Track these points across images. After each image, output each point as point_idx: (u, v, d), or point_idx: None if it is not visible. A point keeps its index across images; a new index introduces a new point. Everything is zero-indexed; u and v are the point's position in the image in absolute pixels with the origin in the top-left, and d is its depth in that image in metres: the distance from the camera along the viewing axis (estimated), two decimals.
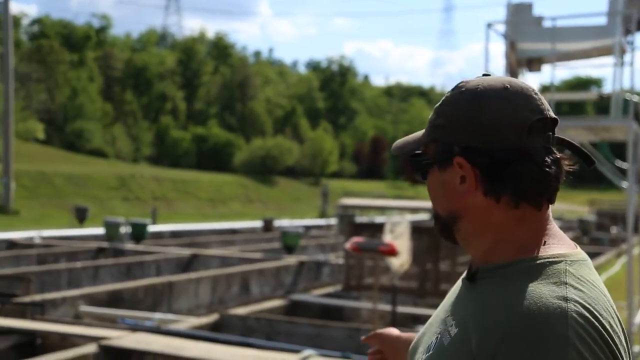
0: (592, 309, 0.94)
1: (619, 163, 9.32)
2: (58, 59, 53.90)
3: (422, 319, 9.72)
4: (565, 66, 9.18)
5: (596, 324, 0.93)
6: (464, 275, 1.14)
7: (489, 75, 1.09)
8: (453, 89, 1.09)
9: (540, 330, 0.91)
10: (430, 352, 1.03)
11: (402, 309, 8.73)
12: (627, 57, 8.16)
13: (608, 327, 0.94)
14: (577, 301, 0.94)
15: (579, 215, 31.84)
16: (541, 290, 0.95)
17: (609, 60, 8.23)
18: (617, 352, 0.94)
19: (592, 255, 18.22)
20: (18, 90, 42.87)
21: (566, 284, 0.96)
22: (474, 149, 1.02)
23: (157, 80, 63.92)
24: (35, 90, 50.43)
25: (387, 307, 8.13)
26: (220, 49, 74.15)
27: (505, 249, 1.03)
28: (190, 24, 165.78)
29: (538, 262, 1.00)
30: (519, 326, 0.92)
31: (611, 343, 0.93)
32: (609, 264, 17.50)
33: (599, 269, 16.14)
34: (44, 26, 64.01)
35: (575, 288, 0.96)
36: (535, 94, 1.05)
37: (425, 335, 1.11)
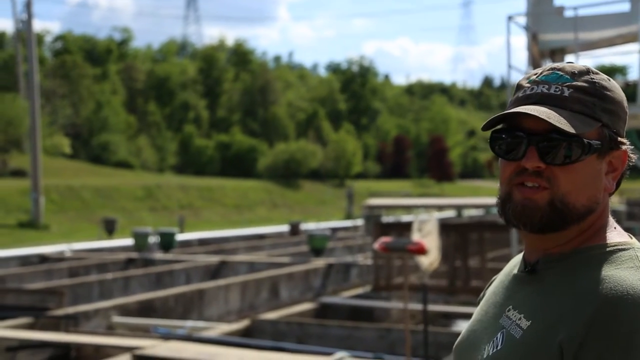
0: None
1: None
2: (81, 73, 54.67)
3: (453, 317, 9.65)
4: (589, 55, 9.05)
5: None
6: (510, 270, 1.14)
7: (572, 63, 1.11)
8: (593, 73, 1.06)
9: (630, 310, 0.92)
10: (499, 348, 1.02)
11: (433, 307, 8.66)
12: None
13: None
14: None
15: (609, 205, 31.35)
16: (621, 274, 0.96)
17: (634, 47, 8.09)
18: None
19: None
20: (44, 107, 43.57)
21: None
22: (624, 140, 1.06)
23: (179, 90, 64.48)
24: (60, 105, 51.20)
25: (418, 306, 8.07)
26: (240, 55, 74.55)
27: (592, 239, 1.05)
28: (210, 32, 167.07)
29: (608, 249, 1.02)
30: (607, 308, 0.93)
31: None
32: None
33: None
34: (66, 42, 64.98)
35: None
36: None
37: (480, 332, 1.09)
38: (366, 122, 77.82)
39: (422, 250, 5.53)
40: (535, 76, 1.08)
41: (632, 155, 1.08)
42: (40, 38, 58.86)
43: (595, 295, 0.95)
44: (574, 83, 1.04)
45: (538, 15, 8.02)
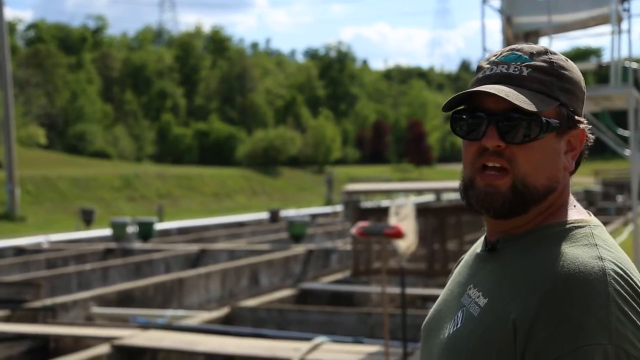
0: (624, 267, 0.97)
1: (621, 131, 9.27)
2: (56, 62, 53.85)
3: (432, 299, 9.72)
4: (564, 37, 9.12)
5: (629, 280, 0.96)
6: (475, 249, 1.15)
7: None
8: (550, 53, 1.06)
9: (581, 288, 0.93)
10: (459, 326, 1.03)
11: (412, 291, 8.73)
12: (624, 25, 8.09)
13: (638, 283, 0.98)
14: (611, 260, 0.97)
15: (585, 186, 31.74)
16: (575, 252, 0.97)
17: (607, 29, 8.16)
18: None
19: None
20: (17, 96, 42.88)
21: (596, 245, 0.99)
22: (582, 119, 1.07)
23: (155, 78, 63.85)
24: (35, 95, 50.44)
25: (396, 290, 8.13)
26: (217, 42, 73.94)
27: (550, 217, 1.05)
28: (186, 19, 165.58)
29: (565, 227, 1.03)
30: (560, 287, 0.94)
31: None
32: (616, 232, 17.46)
33: None
34: (39, 30, 63.92)
35: (605, 249, 0.99)
36: None
37: (444, 312, 1.10)
38: (345, 107, 77.79)
39: (398, 234, 5.56)
40: (494, 57, 1.08)
41: (590, 135, 1.09)
42: (12, 27, 57.80)
43: (548, 274, 0.96)
44: (532, 63, 1.04)
45: None
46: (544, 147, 1.02)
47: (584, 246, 0.99)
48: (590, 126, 1.09)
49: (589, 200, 25.06)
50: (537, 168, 1.02)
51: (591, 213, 1.10)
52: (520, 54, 1.06)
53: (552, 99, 1.03)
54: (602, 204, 25.76)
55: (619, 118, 9.66)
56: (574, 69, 1.07)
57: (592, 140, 1.09)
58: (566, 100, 1.04)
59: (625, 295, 0.94)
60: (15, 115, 32.84)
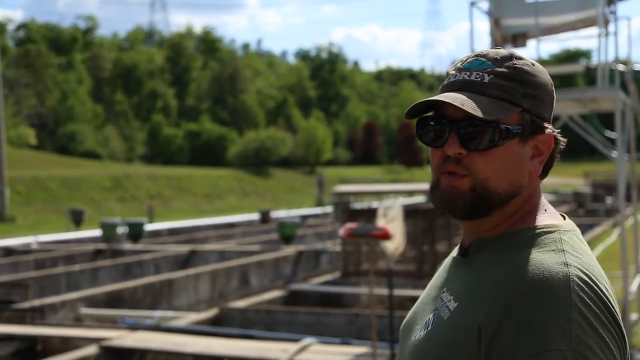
0: (589, 274, 0.97)
1: (609, 133, 9.33)
2: (46, 62, 53.60)
3: None
4: (553, 39, 9.16)
5: (595, 287, 0.96)
6: (453, 253, 1.16)
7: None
8: (516, 59, 1.06)
9: (545, 294, 0.93)
10: (429, 328, 1.04)
11: (401, 292, 8.75)
12: (611, 28, 8.14)
13: (605, 291, 0.97)
14: (576, 266, 0.97)
15: (574, 187, 31.91)
16: (541, 257, 0.98)
17: (595, 31, 8.20)
18: (615, 314, 0.97)
19: (588, 227, 18.29)
20: (7, 97, 42.67)
21: (564, 251, 0.99)
22: (550, 124, 1.07)
23: (146, 79, 63.67)
24: (25, 95, 50.20)
25: (385, 291, 8.15)
26: (208, 43, 73.82)
27: (520, 222, 1.06)
28: (177, 20, 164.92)
29: (534, 232, 1.03)
30: (523, 293, 0.95)
31: (610, 306, 0.96)
32: (605, 234, 17.56)
33: (596, 239, 16.19)
34: (29, 31, 63.59)
35: (572, 255, 0.99)
36: None
37: (419, 314, 1.12)
38: (336, 109, 77.85)
39: (386, 236, 5.58)
40: (460, 63, 1.09)
41: (561, 139, 1.09)
42: (2, 26, 57.53)
43: (513, 280, 0.96)
44: (495, 69, 1.05)
45: (500, 1, 8.08)
46: (506, 153, 1.02)
47: (551, 252, 0.99)
48: (558, 130, 1.09)
49: (578, 202, 25.19)
50: (498, 173, 1.02)
51: (566, 216, 1.10)
52: (484, 60, 1.06)
53: (514, 105, 1.03)
54: (591, 206, 25.89)
55: (607, 120, 9.72)
56: (540, 73, 1.07)
57: (563, 144, 1.09)
58: (529, 105, 1.04)
59: (589, 301, 0.94)
60: (5, 116, 32.67)
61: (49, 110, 52.18)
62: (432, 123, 1.07)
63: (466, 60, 1.08)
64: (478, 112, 1.00)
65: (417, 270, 10.45)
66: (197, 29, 78.75)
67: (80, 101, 55.23)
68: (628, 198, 11.28)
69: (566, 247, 1.00)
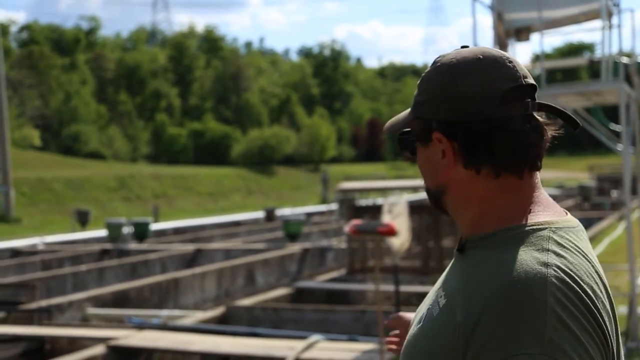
0: (572, 274, 0.94)
1: (614, 126, 9.30)
2: (49, 63, 53.72)
3: None
4: (557, 33, 9.11)
5: (576, 288, 0.93)
6: (456, 247, 1.16)
7: (467, 47, 1.09)
8: (431, 65, 1.10)
9: (520, 297, 0.92)
10: (422, 324, 1.04)
11: (407, 288, 8.75)
12: (614, 20, 8.10)
13: (590, 291, 0.94)
14: (558, 266, 0.94)
15: (579, 181, 31.81)
16: (522, 257, 0.96)
17: (598, 24, 8.17)
18: (598, 316, 0.94)
19: (594, 221, 18.24)
20: (11, 98, 42.77)
21: (548, 250, 0.97)
22: (450, 123, 1.03)
23: (150, 79, 63.73)
24: (28, 96, 50.31)
25: (391, 288, 8.15)
26: (211, 42, 73.83)
27: (489, 220, 1.04)
28: (179, 19, 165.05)
29: (521, 230, 1.00)
30: (500, 294, 0.93)
31: (592, 307, 0.94)
32: (611, 228, 17.51)
33: (602, 233, 16.14)
34: (33, 32, 63.72)
35: (557, 254, 0.96)
36: (510, 62, 1.04)
37: (420, 309, 1.12)
38: (339, 106, 77.79)
39: (392, 232, 5.57)
40: None
41: (441, 138, 1.05)
42: (5, 28, 57.61)
43: (492, 280, 0.95)
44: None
45: None
46: (420, 157, 1.12)
47: (535, 251, 0.97)
48: (543, 121, 1.05)
49: (583, 195, 25.11)
50: (423, 175, 1.13)
51: (567, 212, 1.07)
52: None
53: (412, 113, 1.10)
54: (596, 199, 25.81)
55: (612, 113, 9.68)
56: (434, 74, 1.07)
57: (557, 132, 1.06)
58: (419, 112, 1.09)
59: (568, 304, 0.92)
60: (10, 117, 32.77)
61: (53, 111, 52.30)
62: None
63: None
64: (386, 127, 1.15)
65: (422, 266, 10.44)
66: (200, 28, 78.91)
67: (84, 102, 55.34)
68: (634, 191, 11.24)
69: (552, 246, 0.97)
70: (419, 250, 10.43)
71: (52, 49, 58.53)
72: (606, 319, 0.95)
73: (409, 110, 1.12)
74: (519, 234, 1.00)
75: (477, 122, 1.01)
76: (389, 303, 8.78)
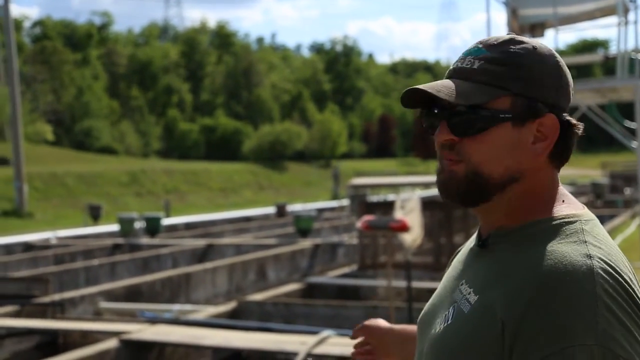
0: (613, 264, 0.95)
1: (628, 124, 9.22)
2: (62, 59, 54.00)
3: None
4: (571, 29, 9.07)
5: (619, 278, 0.94)
6: (470, 243, 1.14)
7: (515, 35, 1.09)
8: (514, 43, 1.03)
9: (568, 288, 0.92)
10: (449, 322, 1.02)
11: (418, 284, 8.72)
12: (630, 16, 8.03)
13: (629, 280, 0.95)
14: (600, 258, 0.95)
15: (592, 179, 31.61)
16: (564, 249, 0.96)
17: (614, 20, 8.10)
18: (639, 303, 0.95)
19: (607, 218, 18.11)
20: (24, 93, 43.04)
21: (586, 242, 0.97)
22: (559, 109, 1.03)
23: (161, 74, 63.93)
24: (41, 92, 50.61)
25: (402, 284, 8.14)
26: (223, 37, 73.95)
27: (535, 212, 1.03)
28: (191, 15, 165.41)
29: (554, 222, 1.01)
30: (547, 286, 0.92)
31: (634, 295, 0.94)
32: (624, 225, 17.38)
33: (615, 231, 16.03)
34: (45, 27, 64.07)
35: (595, 245, 0.97)
36: None
37: (438, 307, 1.10)
38: (351, 102, 77.70)
39: (404, 228, 5.56)
40: (464, 53, 1.09)
41: (576, 123, 1.05)
42: (18, 24, 57.95)
43: (535, 273, 0.94)
44: (487, 55, 1.03)
45: None
46: (498, 138, 1.01)
47: (573, 243, 0.97)
48: (566, 114, 1.05)
49: (596, 193, 24.93)
50: (491, 158, 1.01)
51: (585, 206, 1.07)
52: (481, 46, 1.05)
53: (502, 89, 1.01)
54: (609, 197, 25.63)
55: (626, 110, 9.60)
56: (540, 56, 1.03)
57: (579, 129, 1.05)
58: (521, 89, 1.01)
59: (614, 294, 0.92)
60: (23, 112, 32.98)
61: (66, 106, 52.59)
62: (426, 112, 1.08)
63: (469, 48, 1.08)
64: (452, 97, 1.00)
65: (434, 262, 10.42)
66: (212, 23, 79.22)
67: (96, 97, 55.62)
68: None
69: (588, 237, 0.98)
70: (431, 246, 10.41)
71: (65, 44, 58.83)
72: None
73: (472, 84, 1.01)
74: (552, 227, 1.00)
75: (568, 113, 1.05)
76: (400, 299, 8.77)
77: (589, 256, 0.95)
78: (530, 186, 1.04)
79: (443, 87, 1.02)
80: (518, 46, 1.03)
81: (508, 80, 1.01)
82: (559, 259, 0.95)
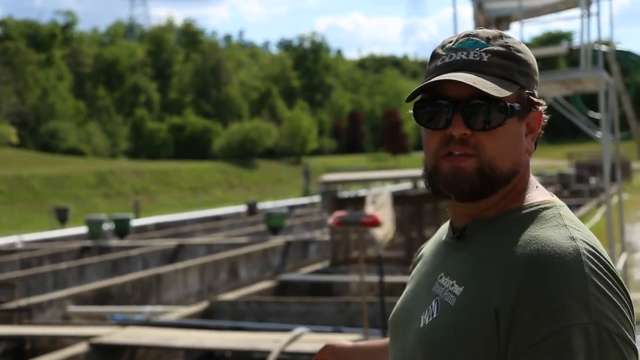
0: (594, 245, 0.98)
1: (593, 114, 9.36)
2: (25, 59, 52.95)
3: None
4: (535, 21, 9.16)
5: (602, 258, 0.97)
6: (439, 237, 1.14)
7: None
8: (505, 37, 1.06)
9: (559, 270, 0.93)
10: (435, 316, 1.02)
11: (391, 279, 8.75)
12: (593, 8, 8.13)
13: (608, 260, 0.98)
14: (582, 239, 0.98)
15: (558, 169, 32.12)
16: (548, 234, 0.97)
17: (577, 12, 8.20)
18: (621, 281, 0.98)
19: (574, 207, 18.43)
20: None
21: (566, 225, 0.99)
22: (539, 101, 1.07)
23: (128, 73, 63.13)
24: (4, 93, 49.59)
25: (375, 279, 8.16)
26: (190, 35, 73.28)
27: (514, 200, 1.05)
28: (157, 13, 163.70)
29: (532, 209, 1.03)
30: (537, 269, 0.94)
31: (616, 274, 0.98)
32: (590, 214, 17.71)
33: (582, 220, 16.27)
34: (7, 28, 62.72)
35: (575, 229, 0.99)
36: None
37: (414, 303, 1.09)
38: (320, 98, 77.71)
39: (376, 223, 5.56)
40: (450, 44, 1.06)
41: (545, 116, 1.08)
42: None
43: (524, 258, 0.95)
44: (490, 48, 1.04)
45: None
46: (508, 132, 1.02)
47: (555, 227, 0.99)
48: (546, 107, 1.09)
49: (563, 183, 25.35)
50: (503, 152, 1.02)
51: (553, 194, 1.09)
52: (477, 39, 1.05)
53: (513, 83, 1.03)
54: (575, 187, 26.09)
55: (591, 101, 9.75)
56: (528, 52, 1.07)
57: (546, 121, 1.09)
58: (525, 83, 1.04)
59: (600, 273, 0.95)
60: None
61: (30, 107, 51.61)
62: (428, 106, 1.04)
63: (457, 40, 1.06)
64: (491, 91, 1.00)
65: (405, 256, 10.46)
66: (178, 21, 78.32)
67: (61, 98, 54.66)
68: (612, 178, 11.34)
69: (567, 221, 1.00)
70: (402, 240, 10.45)
71: (28, 44, 57.70)
72: (624, 283, 0.99)
73: (489, 77, 1.01)
74: (530, 214, 1.02)
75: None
76: (372, 294, 8.78)
77: (573, 238, 0.97)
78: (525, 178, 1.07)
79: (475, 79, 1.00)
80: (510, 41, 1.06)
81: (516, 74, 1.03)
82: (545, 243, 0.96)
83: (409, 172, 20.19)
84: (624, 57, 10.04)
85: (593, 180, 27.02)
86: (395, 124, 63.72)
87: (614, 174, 10.58)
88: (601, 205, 19.09)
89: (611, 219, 7.42)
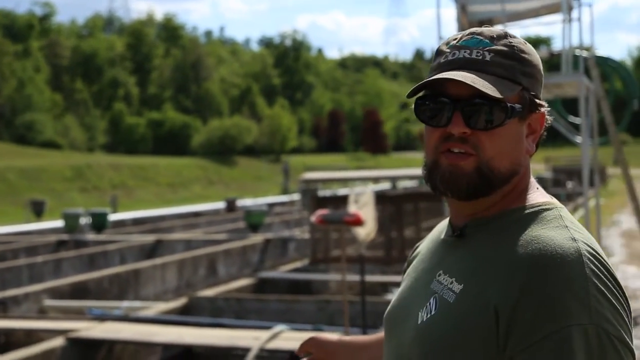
0: (594, 247, 0.99)
1: (572, 119, 9.48)
2: (1, 50, 52.19)
3: (390, 286, 9.84)
4: (517, 25, 9.24)
5: (602, 260, 0.97)
6: (437, 235, 1.14)
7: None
8: (510, 37, 1.06)
9: (560, 271, 0.94)
10: (433, 313, 1.02)
11: (370, 278, 8.79)
12: (574, 14, 8.24)
13: (608, 262, 0.99)
14: (583, 241, 0.98)
15: (536, 173, 32.39)
16: (550, 234, 0.98)
17: (558, 17, 8.30)
18: (620, 283, 0.98)
19: None
20: None
21: (567, 227, 1.00)
22: (543, 103, 1.07)
23: (107, 67, 62.51)
24: None
25: (355, 277, 8.18)
26: (170, 30, 72.79)
27: (515, 200, 1.06)
28: (137, 7, 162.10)
29: (533, 209, 1.03)
30: (538, 269, 0.94)
31: (615, 276, 0.98)
32: None
33: None
34: None
35: (575, 230, 1.00)
36: None
37: (411, 300, 1.09)
38: (300, 96, 77.69)
39: (358, 222, 5.57)
40: (455, 41, 1.06)
41: (548, 117, 1.09)
42: None
43: (525, 257, 0.96)
44: (494, 47, 1.04)
45: None
46: (508, 132, 1.02)
47: (556, 228, 0.99)
48: (549, 108, 1.10)
49: (540, 186, 25.65)
50: (502, 152, 1.02)
51: (553, 197, 1.10)
52: (481, 38, 1.05)
53: (515, 83, 1.03)
54: (552, 190, 26.32)
55: (571, 106, 9.87)
56: (533, 52, 1.07)
57: (549, 122, 1.09)
58: (528, 84, 1.04)
59: (600, 275, 0.95)
60: None
61: (6, 99, 50.86)
62: (429, 102, 1.05)
63: (461, 38, 1.06)
64: (490, 91, 0.99)
65: (385, 256, 10.51)
66: (158, 16, 77.81)
67: (38, 90, 53.94)
68: (590, 182, 11.49)
69: (567, 223, 1.01)
70: (382, 240, 10.48)
71: (4, 35, 56.86)
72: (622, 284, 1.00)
73: (491, 76, 1.01)
74: (531, 214, 1.02)
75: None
76: (352, 292, 8.81)
77: (574, 240, 0.98)
78: (525, 178, 1.07)
79: (474, 78, 1.00)
80: (515, 40, 1.06)
81: (518, 75, 1.03)
82: (547, 243, 0.96)
83: (388, 172, 20.26)
84: (603, 63, 10.19)
85: (570, 185, 27.37)
86: (375, 124, 63.94)
87: (591, 178, 10.72)
88: (578, 209, 19.36)
89: (589, 221, 7.53)
